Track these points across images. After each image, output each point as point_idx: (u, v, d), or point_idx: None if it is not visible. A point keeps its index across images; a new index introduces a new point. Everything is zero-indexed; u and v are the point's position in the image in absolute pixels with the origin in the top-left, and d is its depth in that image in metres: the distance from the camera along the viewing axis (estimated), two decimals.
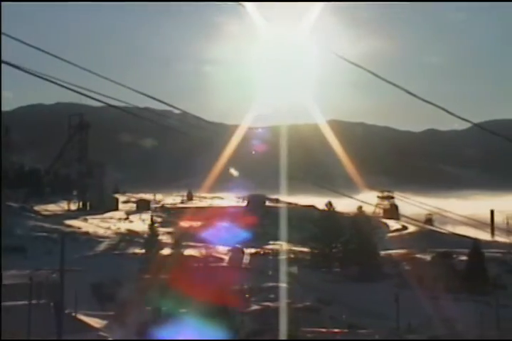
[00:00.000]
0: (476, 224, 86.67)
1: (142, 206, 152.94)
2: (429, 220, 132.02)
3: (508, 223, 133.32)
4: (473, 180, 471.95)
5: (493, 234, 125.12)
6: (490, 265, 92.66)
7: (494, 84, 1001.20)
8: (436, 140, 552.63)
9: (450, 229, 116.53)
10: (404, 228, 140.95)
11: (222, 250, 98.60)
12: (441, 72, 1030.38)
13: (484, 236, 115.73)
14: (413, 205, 27.29)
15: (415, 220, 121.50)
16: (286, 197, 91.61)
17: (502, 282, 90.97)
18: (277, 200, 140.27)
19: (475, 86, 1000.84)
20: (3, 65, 11.59)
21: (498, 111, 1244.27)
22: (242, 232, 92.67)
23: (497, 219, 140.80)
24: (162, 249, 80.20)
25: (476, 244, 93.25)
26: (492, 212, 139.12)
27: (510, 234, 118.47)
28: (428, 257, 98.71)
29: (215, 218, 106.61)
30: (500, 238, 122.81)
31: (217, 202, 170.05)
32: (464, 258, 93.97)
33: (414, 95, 15.49)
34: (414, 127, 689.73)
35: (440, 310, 69.91)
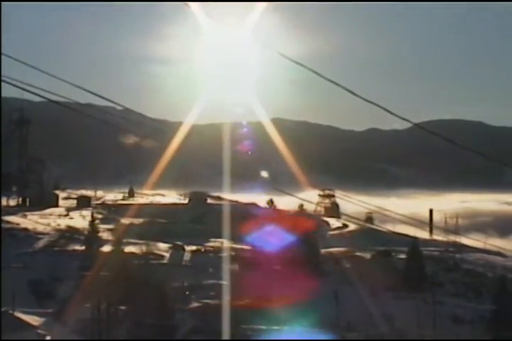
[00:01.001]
0: (415, 222, 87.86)
1: (83, 202, 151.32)
2: (369, 219, 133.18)
3: (446, 222, 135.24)
4: (413, 179, 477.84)
5: (431, 232, 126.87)
6: (428, 263, 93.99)
7: (434, 84, 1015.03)
8: (378, 139, 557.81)
9: (390, 227, 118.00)
10: (345, 226, 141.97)
11: (162, 247, 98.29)
12: (383, 72, 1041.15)
13: (423, 234, 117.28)
14: (354, 204, 27.57)
15: (356, 218, 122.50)
16: (228, 195, 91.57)
17: (439, 280, 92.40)
18: (219, 198, 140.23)
19: (416, 86, 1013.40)
20: None
21: (437, 112, 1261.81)
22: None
23: (436, 217, 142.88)
24: (102, 245, 79.56)
25: (414, 242, 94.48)
26: (431, 211, 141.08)
27: (448, 233, 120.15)
28: (368, 255, 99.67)
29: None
30: (438, 236, 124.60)
31: (158, 199, 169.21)
32: (403, 256, 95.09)
33: (356, 95, 15.67)
34: (357, 126, 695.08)
35: (379, 307, 70.76)
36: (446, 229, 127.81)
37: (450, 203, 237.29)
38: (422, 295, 79.47)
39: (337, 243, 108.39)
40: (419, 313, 67.21)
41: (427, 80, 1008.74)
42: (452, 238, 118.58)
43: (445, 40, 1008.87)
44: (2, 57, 12.95)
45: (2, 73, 12.33)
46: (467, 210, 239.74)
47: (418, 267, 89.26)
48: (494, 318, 58.12)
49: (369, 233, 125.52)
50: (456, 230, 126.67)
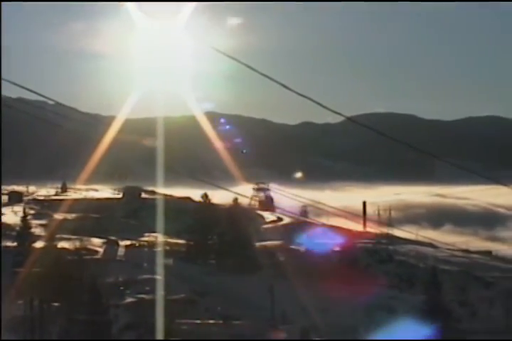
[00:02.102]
0: (349, 215, 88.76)
1: (14, 198, 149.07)
2: (303, 212, 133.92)
3: (379, 214, 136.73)
4: (346, 172, 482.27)
5: (365, 225, 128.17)
6: (362, 255, 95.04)
7: (367, 78, 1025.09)
8: (311, 133, 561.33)
9: (324, 220, 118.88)
10: (280, 219, 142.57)
11: (96, 242, 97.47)
12: (316, 66, 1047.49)
13: (357, 227, 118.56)
14: (288, 197, 27.75)
15: (290, 212, 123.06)
16: (162, 189, 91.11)
17: (373, 271, 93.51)
18: (153, 192, 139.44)
19: (349, 80, 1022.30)
20: None
21: (370, 105, 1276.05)
22: None
23: (369, 210, 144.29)
24: (35, 241, 78.49)
25: (347, 235, 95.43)
26: (364, 203, 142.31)
27: (382, 225, 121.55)
28: (302, 248, 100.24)
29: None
30: (371, 229, 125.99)
31: (92, 194, 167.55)
32: (337, 249, 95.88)
33: (289, 88, 15.74)
34: (290, 120, 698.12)
35: (314, 299, 71.35)
36: (380, 222, 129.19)
37: (383, 195, 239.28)
38: (355, 287, 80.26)
39: (272, 236, 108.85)
40: (353, 305, 68.03)
41: (359, 74, 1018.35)
42: (385, 230, 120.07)
43: (377, 34, 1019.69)
44: None
45: None
46: (400, 202, 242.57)
47: (352, 259, 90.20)
48: (425, 308, 59.11)
49: (303, 226, 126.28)
50: (389, 222, 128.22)
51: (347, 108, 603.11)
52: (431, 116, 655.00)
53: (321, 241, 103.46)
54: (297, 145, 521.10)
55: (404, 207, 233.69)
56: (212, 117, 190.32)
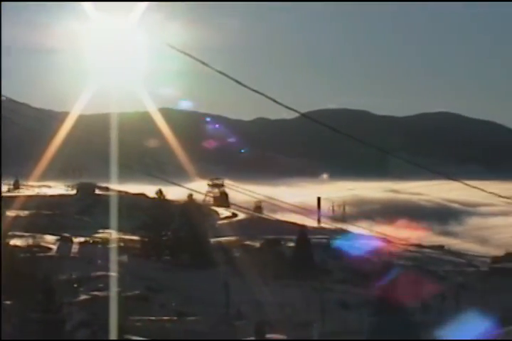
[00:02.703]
0: (304, 211, 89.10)
1: None
2: (258, 208, 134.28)
3: (333, 210, 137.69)
4: (301, 168, 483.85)
5: (319, 220, 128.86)
6: (316, 251, 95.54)
7: (321, 74, 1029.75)
8: (266, 129, 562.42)
9: (279, 216, 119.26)
10: (234, 215, 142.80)
11: (50, 239, 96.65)
12: (271, 62, 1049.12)
13: (311, 222, 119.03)
14: (243, 193, 27.80)
15: (245, 208, 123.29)
16: (116, 186, 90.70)
17: (327, 267, 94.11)
18: (107, 188, 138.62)
19: (303, 76, 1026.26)
20: None
21: (324, 101, 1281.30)
22: None
23: (324, 206, 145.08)
24: None
25: (303, 230, 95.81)
26: (319, 199, 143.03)
27: (336, 221, 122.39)
28: (257, 244, 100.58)
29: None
30: (326, 224, 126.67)
31: (44, 191, 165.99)
32: (292, 244, 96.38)
33: (243, 85, 15.77)
34: (245, 116, 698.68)
35: (269, 295, 71.59)
36: (334, 217, 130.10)
37: (338, 191, 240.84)
38: (310, 283, 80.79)
39: (226, 232, 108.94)
40: (308, 300, 68.36)
41: (313, 70, 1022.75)
42: (340, 225, 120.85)
43: (330, 30, 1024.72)
44: None
45: None
46: (354, 198, 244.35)
47: (307, 255, 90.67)
48: (378, 302, 59.59)
49: (258, 222, 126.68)
50: (344, 218, 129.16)
51: (301, 104, 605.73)
52: (383, 112, 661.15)
53: (274, 236, 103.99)
54: (252, 140, 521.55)
55: (358, 203, 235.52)
56: (167, 113, 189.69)
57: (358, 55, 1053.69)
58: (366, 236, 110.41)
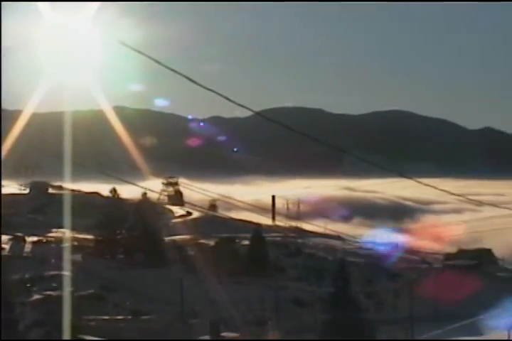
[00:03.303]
0: (258, 209, 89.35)
1: None
2: (213, 206, 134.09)
3: (288, 208, 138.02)
4: (256, 166, 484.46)
5: (274, 218, 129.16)
6: (271, 249, 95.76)
7: (276, 72, 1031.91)
8: (220, 127, 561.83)
9: (234, 214, 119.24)
10: (189, 214, 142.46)
11: (2, 239, 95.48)
12: (225, 59, 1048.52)
13: (266, 220, 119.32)
14: (198, 192, 27.83)
15: (199, 206, 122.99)
16: (69, 184, 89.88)
17: (282, 265, 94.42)
18: (60, 187, 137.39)
19: (258, 75, 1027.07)
20: None
21: (279, 100, 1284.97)
22: None
23: (278, 204, 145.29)
24: None
25: (257, 228, 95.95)
26: (273, 197, 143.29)
27: (290, 219, 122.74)
28: (212, 242, 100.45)
29: None
30: (280, 222, 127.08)
31: None
32: (247, 242, 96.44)
33: (196, 83, 15.77)
34: (200, 114, 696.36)
35: (223, 293, 71.64)
36: (289, 215, 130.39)
37: (292, 189, 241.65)
38: (265, 281, 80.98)
39: (181, 231, 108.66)
40: (263, 298, 68.57)
41: (268, 69, 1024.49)
42: (294, 223, 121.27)
43: (287, 27, 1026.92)
44: None
45: None
46: (309, 196, 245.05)
47: (261, 253, 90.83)
48: (332, 300, 60.01)
49: (213, 220, 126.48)
50: (298, 216, 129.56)
51: (257, 102, 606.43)
52: (338, 111, 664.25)
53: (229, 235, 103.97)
54: (207, 139, 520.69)
55: (314, 201, 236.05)
56: (122, 112, 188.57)
57: (314, 54, 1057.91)
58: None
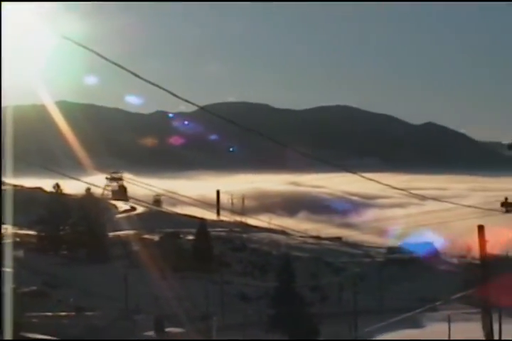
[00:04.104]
0: (203, 204, 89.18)
1: None
2: (157, 201, 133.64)
3: (232, 203, 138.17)
4: (201, 161, 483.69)
5: (218, 213, 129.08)
6: (216, 243, 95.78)
7: (220, 67, 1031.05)
8: (165, 122, 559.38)
9: (178, 209, 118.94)
10: (133, 209, 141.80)
11: None
12: (169, 54, 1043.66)
13: (210, 215, 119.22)
14: (142, 187, 27.70)
15: (143, 201, 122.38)
16: (11, 179, 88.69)
17: (227, 260, 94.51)
18: (1, 182, 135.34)
19: (202, 69, 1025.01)
20: None
21: (223, 94, 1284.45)
22: None
23: (223, 199, 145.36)
24: None
25: (202, 223, 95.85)
26: (218, 192, 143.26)
27: (235, 214, 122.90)
28: (156, 237, 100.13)
29: None
30: (225, 217, 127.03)
31: None
32: (191, 237, 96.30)
33: (140, 77, 15.68)
34: (144, 109, 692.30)
35: (168, 289, 71.45)
36: (233, 210, 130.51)
37: (238, 184, 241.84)
38: (210, 276, 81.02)
39: (125, 226, 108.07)
40: (208, 293, 68.55)
41: (214, 63, 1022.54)
42: (239, 218, 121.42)
43: (232, 22, 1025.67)
44: None
45: None
46: (255, 191, 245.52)
47: (206, 248, 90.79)
48: (277, 294, 60.30)
49: (157, 215, 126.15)
50: (243, 211, 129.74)
51: (201, 97, 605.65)
52: (283, 106, 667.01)
53: (174, 230, 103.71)
54: (151, 134, 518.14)
55: (259, 196, 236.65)
56: (64, 106, 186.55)
57: (259, 48, 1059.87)
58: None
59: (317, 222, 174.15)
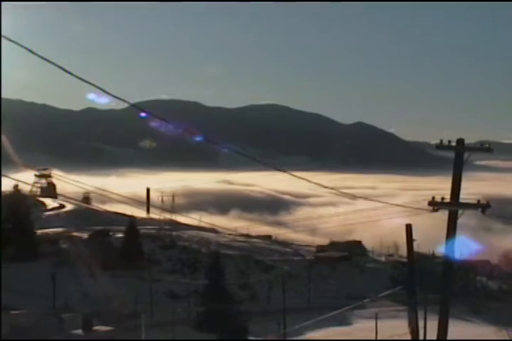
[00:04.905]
0: (133, 201, 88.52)
1: None
2: (86, 198, 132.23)
3: (162, 200, 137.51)
4: (131, 158, 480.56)
5: (148, 211, 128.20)
6: (145, 241, 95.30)
7: (152, 65, 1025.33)
8: (95, 119, 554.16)
9: (108, 207, 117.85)
10: (62, 206, 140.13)
11: None
12: (102, 52, 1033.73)
13: (140, 213, 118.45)
14: (71, 184, 27.40)
15: (72, 199, 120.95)
16: None
17: (156, 257, 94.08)
18: None
19: (136, 66, 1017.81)
20: None
21: (154, 92, 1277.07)
22: None
23: (153, 196, 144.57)
24: None
25: (132, 221, 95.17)
26: (148, 189, 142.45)
27: (165, 211, 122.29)
28: (85, 235, 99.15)
29: None
30: (155, 215, 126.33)
31: None
32: (121, 235, 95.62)
33: (71, 73, 15.49)
34: (74, 106, 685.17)
35: (97, 287, 70.83)
36: (163, 208, 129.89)
37: (168, 182, 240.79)
38: (139, 274, 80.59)
39: (54, 223, 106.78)
40: (137, 291, 68.18)
41: (146, 61, 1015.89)
42: (169, 216, 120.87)
43: (165, 20, 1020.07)
44: None
45: None
46: (185, 189, 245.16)
47: (135, 246, 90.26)
48: (206, 292, 60.32)
49: (86, 213, 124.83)
50: (173, 208, 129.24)
51: (133, 94, 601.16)
52: (214, 104, 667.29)
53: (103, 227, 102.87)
54: (81, 131, 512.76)
55: (190, 194, 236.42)
56: None
57: (191, 46, 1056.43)
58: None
59: (248, 220, 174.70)
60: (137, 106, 18.48)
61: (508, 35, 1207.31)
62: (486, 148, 17.10)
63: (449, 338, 17.71)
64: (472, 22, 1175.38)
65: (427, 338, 28.66)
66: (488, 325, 69.65)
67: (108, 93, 16.29)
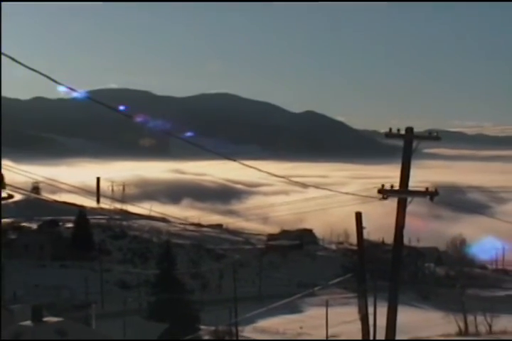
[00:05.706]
0: (83, 191, 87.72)
1: None
2: (35, 188, 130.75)
3: (113, 190, 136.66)
4: (81, 148, 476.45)
5: (98, 201, 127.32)
6: (95, 231, 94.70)
7: (103, 53, 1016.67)
8: (44, 108, 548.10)
9: (57, 197, 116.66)
10: (10, 197, 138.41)
11: None
12: (52, 40, 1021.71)
13: (90, 203, 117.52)
14: (20, 174, 27.08)
15: (21, 189, 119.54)
16: None
17: (107, 247, 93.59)
18: None
19: (86, 55, 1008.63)
20: None
21: (104, 81, 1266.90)
22: None
23: (104, 186, 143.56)
24: None
25: (81, 211, 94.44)
26: (98, 179, 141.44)
27: (115, 201, 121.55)
28: (34, 225, 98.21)
29: None
30: (105, 205, 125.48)
31: None
32: (71, 225, 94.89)
33: (18, 62, 15.26)
34: (22, 95, 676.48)
35: (46, 277, 70.24)
36: (114, 198, 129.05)
37: (118, 171, 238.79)
38: (89, 264, 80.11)
39: (2, 214, 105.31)
40: (87, 281, 67.72)
41: (95, 49, 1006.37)
42: (119, 206, 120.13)
43: (112, 13, 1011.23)
44: None
45: None
46: (136, 178, 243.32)
47: (85, 235, 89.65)
48: (157, 281, 60.12)
49: (36, 203, 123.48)
50: (124, 198, 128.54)
51: (83, 83, 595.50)
52: (164, 92, 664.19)
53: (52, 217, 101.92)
54: (30, 120, 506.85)
55: (141, 183, 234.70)
56: None
57: (140, 35, 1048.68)
58: None
59: (200, 209, 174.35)
60: (90, 97, 18.25)
61: (451, 17, 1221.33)
62: (434, 137, 17.19)
63: (398, 324, 17.88)
64: (413, 7, 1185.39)
65: (377, 324, 29.00)
66: (436, 310, 70.76)
67: (57, 82, 16.08)
